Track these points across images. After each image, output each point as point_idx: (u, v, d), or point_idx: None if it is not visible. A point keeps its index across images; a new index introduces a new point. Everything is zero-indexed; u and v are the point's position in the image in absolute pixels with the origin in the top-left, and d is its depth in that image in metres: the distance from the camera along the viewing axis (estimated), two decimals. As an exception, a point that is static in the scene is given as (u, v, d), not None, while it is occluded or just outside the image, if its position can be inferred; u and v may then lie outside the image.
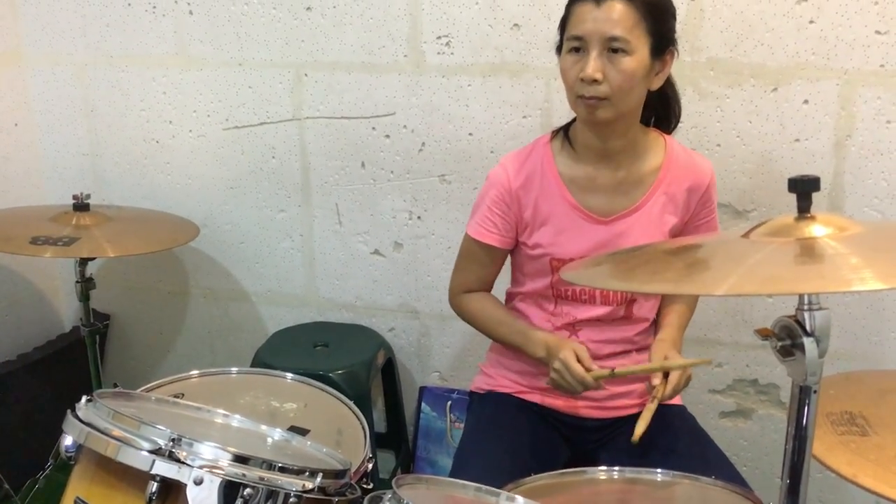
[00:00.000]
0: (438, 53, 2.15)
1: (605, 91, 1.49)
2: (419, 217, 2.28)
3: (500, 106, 2.13)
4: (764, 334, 1.00)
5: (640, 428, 1.50)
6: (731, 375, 2.16)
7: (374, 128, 2.25)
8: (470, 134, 2.18)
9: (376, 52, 2.19)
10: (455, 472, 1.59)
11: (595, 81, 1.48)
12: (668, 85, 1.65)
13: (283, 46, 2.27)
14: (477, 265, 1.76)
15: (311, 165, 2.34)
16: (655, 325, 1.77)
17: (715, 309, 2.11)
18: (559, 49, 1.59)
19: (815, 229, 1.00)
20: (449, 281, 2.29)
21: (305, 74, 2.27)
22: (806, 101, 1.93)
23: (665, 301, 1.78)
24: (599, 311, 1.68)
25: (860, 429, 1.35)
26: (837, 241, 0.97)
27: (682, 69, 1.95)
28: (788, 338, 0.98)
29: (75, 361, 2.38)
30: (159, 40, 2.37)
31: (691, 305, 1.81)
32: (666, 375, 1.58)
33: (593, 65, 1.48)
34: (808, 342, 0.95)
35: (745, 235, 1.05)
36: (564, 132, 1.68)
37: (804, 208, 1.02)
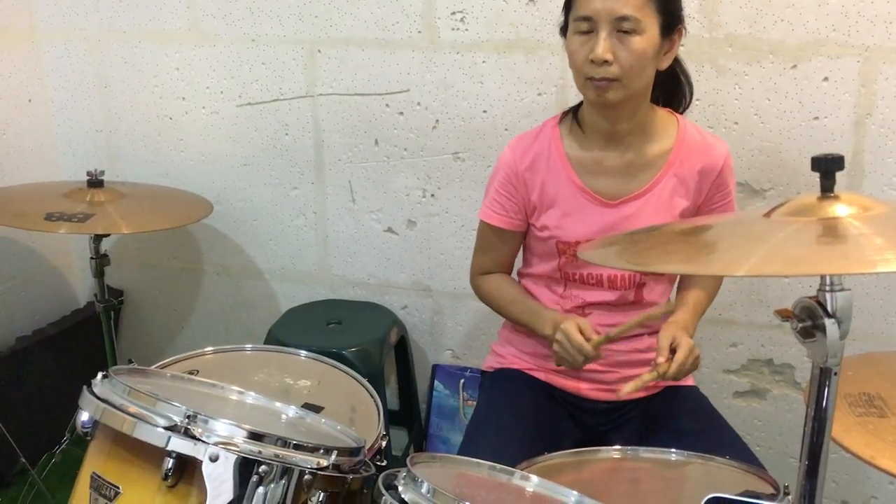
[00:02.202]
0: (453, 29, 2.13)
1: (616, 72, 1.47)
2: (433, 195, 2.27)
3: (515, 83, 2.11)
4: (784, 315, 0.99)
5: (630, 386, 1.45)
6: (746, 355, 2.15)
7: (387, 105, 2.24)
8: (484, 111, 2.16)
9: (390, 28, 2.17)
10: (465, 447, 1.60)
11: (605, 62, 1.46)
12: (677, 63, 1.63)
13: (296, 22, 2.25)
14: (490, 248, 1.76)
15: (325, 143, 2.33)
16: (675, 306, 1.75)
17: (730, 288, 2.09)
18: (563, 31, 1.57)
19: (839, 209, 0.98)
20: (462, 259, 2.29)
21: (319, 51, 2.26)
22: (826, 79, 1.91)
23: (683, 285, 1.77)
24: (609, 295, 1.67)
25: (878, 410, 1.34)
26: (861, 222, 0.96)
27: (700, 46, 1.93)
28: (809, 319, 0.97)
29: (90, 337, 2.40)
30: (172, 16, 2.35)
31: (710, 292, 1.77)
32: (672, 354, 1.56)
33: (603, 45, 1.45)
34: (829, 323, 0.94)
35: (767, 215, 1.04)
36: (573, 114, 1.66)
37: (827, 187, 1.00)
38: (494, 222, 1.71)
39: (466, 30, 2.12)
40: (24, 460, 2.09)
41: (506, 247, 1.76)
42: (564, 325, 1.56)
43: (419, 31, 2.15)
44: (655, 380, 1.51)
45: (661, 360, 1.51)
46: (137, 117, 2.48)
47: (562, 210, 1.64)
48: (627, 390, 1.45)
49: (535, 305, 1.71)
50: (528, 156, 1.65)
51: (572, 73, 1.56)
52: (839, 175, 1.02)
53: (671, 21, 1.51)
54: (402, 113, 2.23)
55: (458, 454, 1.60)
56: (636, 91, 1.52)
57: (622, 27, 1.45)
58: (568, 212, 1.64)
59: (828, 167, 1.00)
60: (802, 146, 1.95)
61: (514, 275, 1.84)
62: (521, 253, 1.81)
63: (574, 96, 2.03)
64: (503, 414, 1.67)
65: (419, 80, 2.19)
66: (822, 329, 0.95)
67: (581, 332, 1.55)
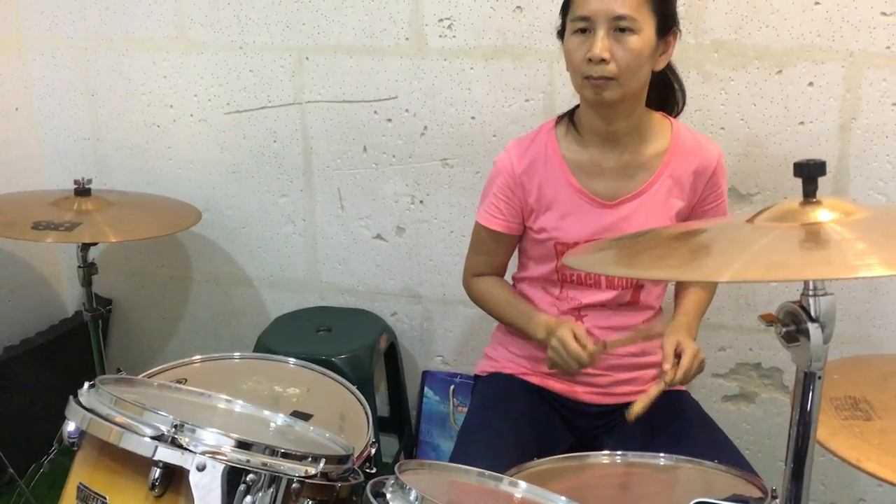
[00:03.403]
0: (440, 36, 2.13)
1: (613, 71, 1.48)
2: (421, 201, 2.27)
3: (503, 89, 2.12)
4: (768, 320, 0.99)
5: (639, 405, 1.46)
6: (734, 359, 2.16)
7: (375, 112, 2.24)
8: (472, 118, 2.16)
9: (378, 35, 2.18)
10: (457, 451, 1.60)
11: (603, 61, 1.48)
12: (669, 69, 1.65)
13: (283, 30, 2.25)
14: (486, 251, 1.77)
15: (313, 150, 2.33)
16: (674, 308, 1.76)
17: (718, 293, 2.08)
18: (561, 34, 1.58)
19: (821, 214, 0.99)
20: (452, 265, 2.29)
21: (307, 58, 2.26)
22: (811, 84, 1.92)
23: (682, 284, 1.78)
24: (605, 295, 1.68)
25: (864, 413, 1.35)
26: (843, 226, 0.96)
27: (687, 52, 1.94)
28: (793, 323, 0.97)
29: (78, 346, 2.39)
30: (159, 23, 2.35)
31: (710, 289, 1.79)
32: (677, 359, 1.57)
33: (601, 44, 1.47)
34: (812, 328, 0.95)
35: (750, 220, 1.04)
36: (569, 117, 1.67)
37: (810, 193, 1.01)
38: (493, 226, 1.71)
39: (454, 36, 2.12)
40: (12, 471, 2.08)
41: (501, 250, 1.77)
42: (560, 332, 1.57)
43: (407, 38, 2.16)
44: (663, 389, 1.51)
45: (667, 366, 1.53)
46: (125, 125, 2.48)
47: (560, 212, 1.65)
48: (638, 409, 1.46)
49: (527, 308, 1.72)
50: (525, 159, 1.66)
51: (570, 74, 1.57)
52: (825, 179, 1.03)
53: (667, 23, 1.53)
54: (390, 120, 2.23)
55: (450, 458, 1.60)
56: (632, 90, 1.53)
57: (619, 26, 1.47)
58: (566, 213, 1.65)
59: (810, 172, 1.01)
60: (788, 151, 1.96)
61: (509, 278, 1.84)
62: (515, 257, 1.81)
63: (561, 102, 2.05)
64: (496, 418, 1.67)
65: (407, 87, 2.19)
66: (806, 333, 0.95)
67: (577, 339, 1.56)
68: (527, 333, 1.70)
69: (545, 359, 1.68)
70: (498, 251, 1.77)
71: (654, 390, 1.49)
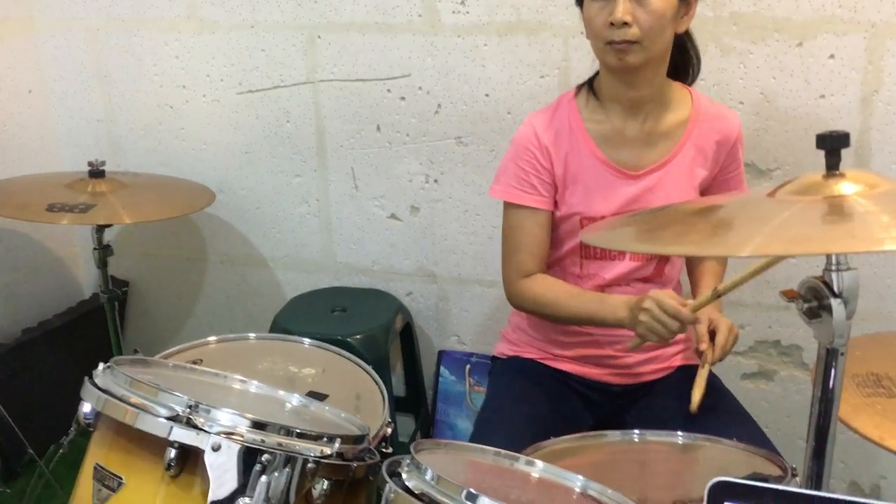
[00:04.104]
0: (454, 12, 2.10)
1: (636, 34, 1.46)
2: (436, 180, 2.26)
3: (517, 66, 2.09)
4: (789, 296, 0.97)
5: (697, 395, 1.47)
6: (753, 337, 2.13)
7: (389, 90, 2.22)
8: (486, 95, 2.14)
9: (390, 12, 2.15)
10: (476, 438, 1.59)
11: (625, 24, 1.45)
12: (686, 35, 1.62)
13: (295, 8, 2.23)
14: (527, 238, 1.66)
15: (326, 129, 2.31)
16: (692, 286, 1.74)
17: (738, 270, 2.07)
18: (579, 2, 1.56)
19: (845, 187, 0.97)
20: (467, 244, 2.27)
21: (319, 36, 2.24)
22: (832, 56, 1.88)
23: (696, 260, 1.75)
24: (628, 266, 1.65)
25: (886, 390, 1.33)
26: (867, 199, 0.94)
27: (705, 25, 1.90)
28: (815, 299, 0.96)
29: (95, 328, 2.40)
30: (171, 3, 2.34)
31: (723, 262, 1.77)
32: (712, 339, 1.54)
33: (622, 7, 1.45)
34: (835, 304, 0.93)
35: (772, 194, 1.02)
36: (588, 86, 1.65)
37: (833, 165, 0.99)
38: (528, 202, 1.63)
39: (467, 13, 2.09)
40: (31, 451, 2.09)
41: (542, 232, 1.65)
42: (653, 293, 1.46)
43: (420, 15, 2.13)
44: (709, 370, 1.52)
45: (704, 346, 1.52)
46: (138, 106, 2.47)
47: (585, 186, 1.62)
48: (697, 399, 1.48)
49: (596, 294, 1.63)
50: (549, 131, 1.63)
51: (590, 41, 1.55)
52: (846, 154, 1.01)
53: None
54: (403, 98, 2.21)
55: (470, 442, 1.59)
56: (656, 54, 1.51)
57: None
58: (591, 187, 1.62)
59: (833, 144, 0.99)
60: (809, 125, 1.93)
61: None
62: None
63: (576, 78, 2.01)
64: (514, 402, 1.65)
65: (420, 65, 2.17)
66: (829, 309, 0.94)
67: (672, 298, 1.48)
68: (601, 320, 1.58)
69: (568, 344, 1.66)
70: (540, 235, 1.65)
71: (702, 376, 1.50)
